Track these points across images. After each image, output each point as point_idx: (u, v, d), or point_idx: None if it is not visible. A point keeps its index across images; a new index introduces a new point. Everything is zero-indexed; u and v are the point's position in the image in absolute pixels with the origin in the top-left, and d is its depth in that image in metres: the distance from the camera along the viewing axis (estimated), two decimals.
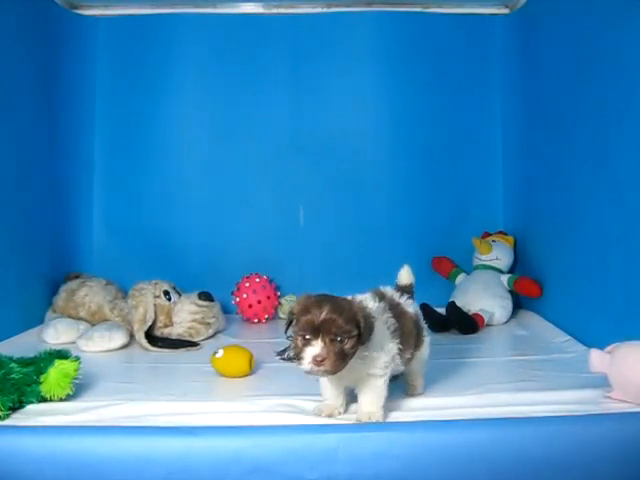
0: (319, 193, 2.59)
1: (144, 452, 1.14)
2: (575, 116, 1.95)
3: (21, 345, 1.87)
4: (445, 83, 2.59)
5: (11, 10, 2.05)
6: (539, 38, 2.27)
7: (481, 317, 2.19)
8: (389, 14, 2.56)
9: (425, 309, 2.07)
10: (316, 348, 1.17)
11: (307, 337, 1.19)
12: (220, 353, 1.66)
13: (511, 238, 2.52)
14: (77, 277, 2.34)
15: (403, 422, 1.28)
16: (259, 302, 2.39)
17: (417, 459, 1.15)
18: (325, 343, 1.17)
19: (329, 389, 1.33)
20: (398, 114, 2.59)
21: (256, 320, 2.41)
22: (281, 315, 2.46)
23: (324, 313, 1.18)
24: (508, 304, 2.31)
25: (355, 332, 1.20)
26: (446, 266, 2.50)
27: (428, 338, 1.48)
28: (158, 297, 2.08)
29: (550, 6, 2.16)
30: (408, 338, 1.36)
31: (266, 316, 2.41)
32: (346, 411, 1.34)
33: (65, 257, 2.45)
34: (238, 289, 2.42)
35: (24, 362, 1.43)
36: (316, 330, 1.18)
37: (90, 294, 2.20)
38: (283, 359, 1.82)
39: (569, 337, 1.93)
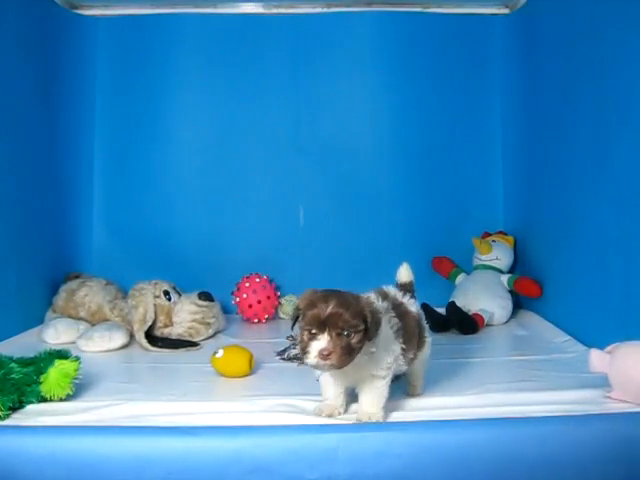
0: (319, 193, 2.59)
1: (144, 452, 1.14)
2: (575, 116, 1.95)
3: (21, 345, 1.87)
4: (445, 83, 2.59)
5: (11, 10, 2.05)
6: (539, 38, 2.27)
7: (481, 317, 2.19)
8: (389, 14, 2.56)
9: (425, 309, 2.06)
10: (322, 342, 1.17)
11: (313, 331, 1.18)
12: (220, 353, 1.66)
13: (511, 238, 2.52)
14: (77, 277, 2.34)
15: (403, 422, 1.28)
16: (259, 302, 2.39)
17: (417, 459, 1.15)
18: (331, 337, 1.17)
19: (330, 389, 1.33)
20: (398, 114, 2.59)
21: (256, 320, 2.41)
22: (281, 315, 2.47)
23: (330, 307, 1.17)
24: (508, 304, 2.31)
25: (362, 327, 1.19)
26: (446, 266, 2.50)
27: (430, 338, 1.48)
28: (158, 297, 2.08)
29: (550, 6, 2.16)
30: (411, 338, 1.36)
31: (266, 316, 2.41)
32: (346, 411, 1.34)
33: (65, 257, 2.45)
34: (238, 289, 2.42)
35: (24, 362, 1.43)
36: (322, 324, 1.17)
37: (90, 294, 2.20)
38: (283, 359, 1.82)
39: (569, 337, 1.93)
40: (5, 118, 2.01)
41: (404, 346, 1.31)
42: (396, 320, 1.32)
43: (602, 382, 1.40)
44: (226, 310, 2.33)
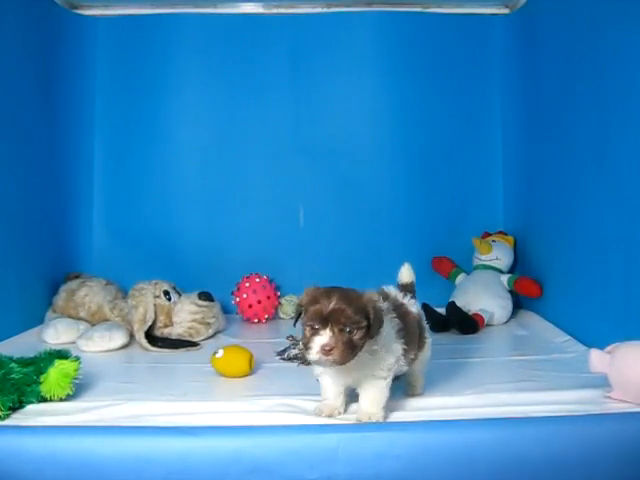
0: (319, 193, 2.59)
1: (144, 452, 1.14)
2: (575, 116, 1.95)
3: (21, 345, 1.87)
4: (445, 83, 2.59)
5: (11, 10, 2.05)
6: (539, 38, 2.27)
7: (481, 317, 2.19)
8: (389, 14, 2.56)
9: (425, 309, 2.07)
10: (324, 338, 1.17)
11: (315, 327, 1.18)
12: (220, 353, 1.66)
13: (511, 238, 2.52)
14: (77, 277, 2.34)
15: (403, 422, 1.28)
16: (259, 302, 2.39)
17: (417, 459, 1.15)
18: (334, 333, 1.17)
19: (329, 389, 1.33)
20: (398, 114, 2.59)
21: (256, 320, 2.41)
22: (281, 315, 2.47)
23: (333, 303, 1.17)
24: (508, 304, 2.31)
25: (364, 323, 1.19)
26: (446, 266, 2.50)
27: (430, 339, 1.48)
28: (158, 297, 2.08)
29: (550, 6, 2.16)
30: (412, 339, 1.36)
31: (266, 316, 2.41)
32: (346, 411, 1.34)
33: (65, 257, 2.45)
34: (238, 289, 2.42)
35: (24, 362, 1.43)
36: (325, 320, 1.17)
37: (90, 294, 2.20)
38: (283, 359, 1.82)
39: (569, 337, 1.93)
40: (5, 118, 2.01)
41: (405, 347, 1.31)
42: (397, 321, 1.31)
43: (602, 382, 1.40)
44: (226, 310, 2.33)
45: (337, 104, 2.58)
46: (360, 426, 1.24)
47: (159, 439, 1.16)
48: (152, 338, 2.00)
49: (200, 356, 1.85)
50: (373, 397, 1.28)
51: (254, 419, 1.31)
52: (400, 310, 1.35)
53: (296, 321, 1.27)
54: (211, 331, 2.14)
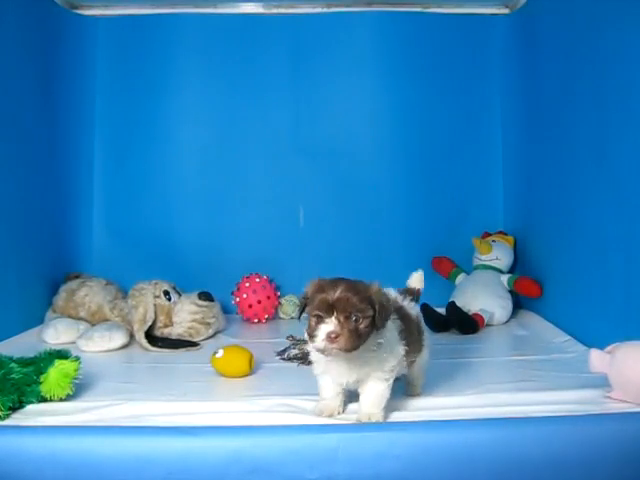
0: (319, 193, 2.59)
1: (144, 452, 1.14)
2: (575, 116, 1.95)
3: (21, 345, 1.87)
4: (445, 83, 2.59)
5: (11, 10, 2.05)
6: (539, 38, 2.27)
7: (481, 317, 2.19)
8: (389, 14, 2.56)
9: (425, 309, 2.07)
10: (330, 325, 1.17)
11: (321, 315, 1.18)
12: (220, 353, 1.66)
13: (511, 238, 2.52)
14: (77, 277, 2.34)
15: (403, 422, 1.28)
16: (259, 302, 2.39)
17: (417, 459, 1.15)
18: (339, 321, 1.17)
19: (328, 388, 1.33)
20: (398, 114, 2.59)
21: (256, 320, 2.41)
22: (281, 315, 2.47)
23: (339, 292, 1.18)
24: (508, 304, 2.31)
25: (370, 312, 1.19)
26: (446, 266, 2.50)
27: (428, 341, 1.47)
28: (158, 297, 2.08)
29: (550, 6, 2.16)
30: (413, 341, 1.36)
31: (266, 316, 2.41)
32: (344, 411, 1.34)
33: (65, 257, 2.45)
34: (238, 289, 2.42)
35: (24, 362, 1.43)
36: (330, 308, 1.17)
37: (90, 294, 2.20)
38: (283, 359, 1.82)
39: (569, 337, 1.93)
40: (5, 118, 2.01)
41: (407, 348, 1.31)
42: (399, 322, 1.32)
43: (602, 382, 1.40)
44: (226, 310, 2.33)
45: (337, 104, 2.59)
46: (360, 426, 1.24)
47: (159, 439, 1.16)
48: (152, 338, 2.00)
49: (200, 356, 1.85)
50: (374, 398, 1.28)
51: (254, 419, 1.31)
52: (400, 312, 1.35)
53: (301, 313, 1.27)
54: (211, 331, 2.14)
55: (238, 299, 2.41)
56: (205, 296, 2.17)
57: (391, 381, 1.29)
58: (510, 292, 2.36)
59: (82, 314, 2.16)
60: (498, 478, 1.16)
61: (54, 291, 2.26)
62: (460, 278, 2.45)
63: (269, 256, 2.54)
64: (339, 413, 1.33)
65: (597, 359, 1.40)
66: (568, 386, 1.48)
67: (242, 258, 2.52)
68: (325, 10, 2.58)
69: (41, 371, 1.39)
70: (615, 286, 1.70)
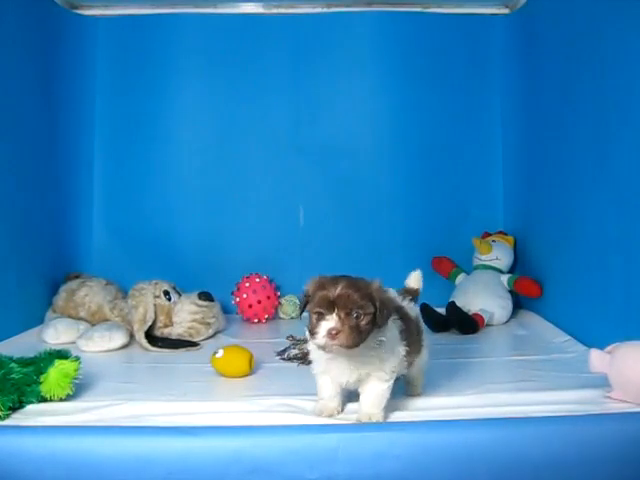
0: (319, 193, 2.59)
1: (144, 452, 1.14)
2: (575, 116, 1.95)
3: (21, 345, 1.87)
4: (445, 83, 2.59)
5: (11, 10, 2.05)
6: (539, 38, 2.27)
7: (481, 317, 2.19)
8: (389, 14, 2.56)
9: (425, 309, 2.07)
10: (331, 322, 1.17)
11: (322, 312, 1.18)
12: (220, 353, 1.66)
13: (511, 238, 2.52)
14: (77, 277, 2.34)
15: (403, 422, 1.28)
16: (259, 302, 2.39)
17: (417, 459, 1.15)
18: (340, 317, 1.17)
19: (326, 388, 1.32)
20: (398, 114, 2.59)
21: (256, 320, 2.41)
22: (281, 315, 2.47)
23: (339, 288, 1.18)
24: (508, 304, 2.31)
25: (371, 309, 1.19)
26: (446, 266, 2.50)
27: (427, 342, 1.47)
28: (158, 297, 2.08)
29: (550, 6, 2.16)
30: (413, 341, 1.36)
31: (266, 316, 2.41)
32: (343, 411, 1.34)
33: (65, 257, 2.45)
34: (238, 289, 2.42)
35: (24, 362, 1.43)
36: (331, 304, 1.17)
37: (90, 294, 2.20)
38: (283, 359, 1.82)
39: (569, 337, 1.93)
40: (5, 118, 2.01)
41: (408, 348, 1.31)
42: (400, 322, 1.32)
43: (602, 382, 1.40)
44: (226, 310, 2.33)
45: (337, 104, 2.59)
46: (360, 426, 1.24)
47: (159, 439, 1.16)
48: (152, 338, 2.00)
49: (200, 356, 1.85)
50: (374, 398, 1.28)
51: (254, 419, 1.31)
52: (400, 312, 1.35)
53: (302, 311, 1.27)
54: (211, 331, 2.14)
55: (238, 299, 2.41)
56: (205, 296, 2.17)
57: (392, 382, 1.29)
58: (510, 292, 2.36)
59: (82, 314, 2.16)
60: (498, 478, 1.16)
61: (54, 291, 2.26)
62: (460, 278, 2.45)
63: (269, 256, 2.54)
64: (338, 413, 1.33)
65: (597, 359, 1.40)
66: (568, 386, 1.47)
67: (242, 258, 2.52)
68: (325, 10, 2.58)
69: (41, 371, 1.39)
70: (615, 286, 1.69)
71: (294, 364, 1.78)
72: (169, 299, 2.10)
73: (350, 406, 1.36)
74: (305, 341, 1.51)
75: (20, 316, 2.09)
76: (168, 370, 1.77)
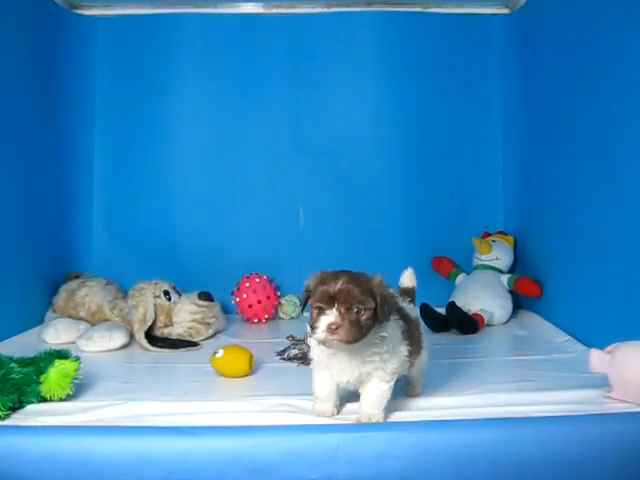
0: (319, 193, 2.59)
1: (144, 452, 1.14)
2: (575, 116, 1.95)
3: (21, 345, 1.87)
4: (445, 83, 2.59)
5: (11, 10, 2.05)
6: (539, 38, 2.27)
7: (481, 317, 2.19)
8: (389, 14, 2.56)
9: (425, 309, 2.07)
10: (331, 317, 1.17)
11: (322, 307, 1.18)
12: (220, 353, 1.66)
13: (511, 238, 2.52)
14: (77, 277, 2.34)
15: (403, 422, 1.28)
16: (259, 302, 2.39)
17: (417, 459, 1.15)
18: (340, 312, 1.17)
19: (324, 387, 1.32)
20: (398, 114, 2.59)
21: (256, 320, 2.41)
22: (281, 315, 2.47)
23: (340, 283, 1.18)
24: (508, 304, 2.31)
25: (371, 304, 1.19)
26: (446, 266, 2.50)
27: (427, 343, 1.47)
28: (158, 297, 2.08)
29: (550, 6, 2.16)
30: (413, 341, 1.36)
31: (266, 316, 2.41)
32: (339, 412, 1.34)
33: (65, 257, 2.45)
34: (238, 289, 2.42)
35: (24, 362, 1.43)
36: (331, 299, 1.17)
37: (90, 294, 2.20)
38: (283, 359, 1.82)
39: (569, 337, 1.93)
40: (5, 118, 2.01)
41: (409, 348, 1.31)
42: (401, 322, 1.31)
43: (602, 382, 1.40)
44: (226, 310, 2.33)
45: (337, 104, 2.58)
46: (360, 426, 1.24)
47: (159, 439, 1.16)
48: (152, 338, 2.00)
49: (200, 356, 1.85)
50: (374, 399, 1.28)
51: (254, 419, 1.31)
52: (401, 313, 1.35)
53: (303, 307, 1.27)
54: (211, 331, 2.14)
55: (238, 299, 2.41)
56: (205, 296, 2.17)
57: (392, 382, 1.29)
58: (510, 292, 2.36)
59: (82, 314, 2.16)
60: (498, 478, 1.16)
61: (54, 291, 2.26)
62: (460, 278, 2.45)
63: (269, 256, 2.54)
64: (337, 412, 1.33)
65: (597, 359, 1.40)
66: (568, 386, 1.48)
67: (242, 258, 2.52)
68: (325, 10, 2.58)
69: (41, 371, 1.39)
70: (615, 286, 1.69)
71: (294, 364, 1.78)
72: (169, 299, 2.10)
73: (350, 406, 1.36)
74: (305, 341, 1.51)
75: (20, 316, 2.09)
76: (168, 370, 1.77)
